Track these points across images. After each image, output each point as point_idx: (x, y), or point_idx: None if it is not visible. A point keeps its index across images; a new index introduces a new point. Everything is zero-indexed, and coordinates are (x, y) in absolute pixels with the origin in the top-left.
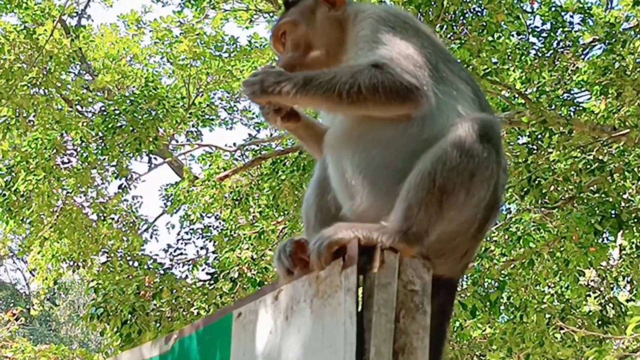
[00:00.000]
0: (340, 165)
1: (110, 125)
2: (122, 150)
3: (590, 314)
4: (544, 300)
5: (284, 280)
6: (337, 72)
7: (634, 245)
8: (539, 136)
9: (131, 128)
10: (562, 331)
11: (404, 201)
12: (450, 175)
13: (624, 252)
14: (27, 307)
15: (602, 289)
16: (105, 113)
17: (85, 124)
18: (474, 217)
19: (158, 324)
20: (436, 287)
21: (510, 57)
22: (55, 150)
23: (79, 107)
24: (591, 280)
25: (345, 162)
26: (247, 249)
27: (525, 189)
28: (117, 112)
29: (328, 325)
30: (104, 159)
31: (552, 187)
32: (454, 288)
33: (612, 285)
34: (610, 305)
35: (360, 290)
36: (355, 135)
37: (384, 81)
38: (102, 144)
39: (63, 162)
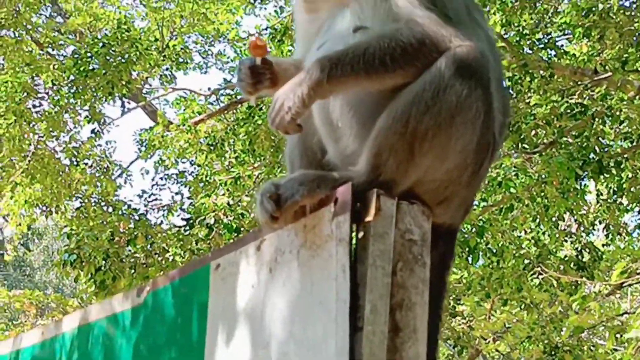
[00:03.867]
0: (327, 102)
1: (82, 69)
2: (94, 94)
3: (566, 258)
4: (522, 246)
5: (268, 228)
6: (369, 41)
7: (610, 191)
8: (519, 80)
9: (103, 71)
10: (540, 276)
11: (372, 146)
12: (424, 118)
13: (601, 197)
14: (1, 252)
15: (578, 233)
16: (77, 56)
17: (56, 66)
18: (463, 162)
19: (133, 271)
20: (436, 236)
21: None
22: (26, 94)
23: (50, 50)
24: (567, 226)
25: (333, 100)
26: (223, 194)
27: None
28: (89, 55)
29: (317, 280)
30: (77, 103)
31: (532, 132)
32: (454, 236)
33: (588, 231)
34: (586, 250)
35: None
36: None
37: (428, 31)
38: (74, 88)
39: (34, 106)
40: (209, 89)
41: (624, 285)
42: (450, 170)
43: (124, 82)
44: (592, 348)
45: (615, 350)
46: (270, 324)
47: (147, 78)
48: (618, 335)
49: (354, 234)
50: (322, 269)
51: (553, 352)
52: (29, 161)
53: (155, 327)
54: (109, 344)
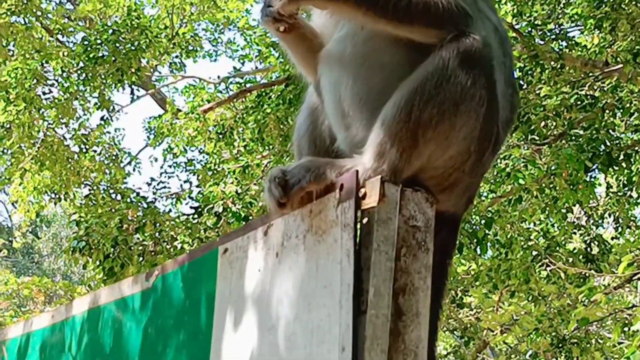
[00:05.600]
0: (338, 91)
1: (91, 56)
2: (104, 81)
3: (575, 251)
4: (531, 238)
5: (276, 214)
6: None
7: (620, 183)
8: (530, 71)
9: (113, 58)
10: (548, 268)
11: (377, 134)
12: (427, 107)
13: (610, 189)
14: (10, 239)
15: (587, 226)
16: (86, 43)
17: (66, 53)
18: (466, 150)
19: (141, 258)
20: (439, 223)
21: None
22: (35, 81)
23: (60, 37)
24: (576, 218)
25: (344, 88)
26: (232, 183)
27: (514, 125)
28: (98, 42)
29: (323, 264)
30: (86, 90)
31: (542, 123)
32: (457, 224)
33: (597, 223)
34: (595, 242)
35: (358, 226)
36: (358, 57)
37: (437, 2)
38: (84, 75)
39: (44, 93)
40: (219, 77)
41: (633, 278)
42: (454, 158)
43: (133, 70)
44: (599, 341)
45: (620, 343)
46: (277, 307)
47: (156, 66)
48: (625, 329)
49: (358, 219)
50: (327, 253)
51: (561, 345)
52: (38, 148)
53: (164, 311)
54: (119, 327)
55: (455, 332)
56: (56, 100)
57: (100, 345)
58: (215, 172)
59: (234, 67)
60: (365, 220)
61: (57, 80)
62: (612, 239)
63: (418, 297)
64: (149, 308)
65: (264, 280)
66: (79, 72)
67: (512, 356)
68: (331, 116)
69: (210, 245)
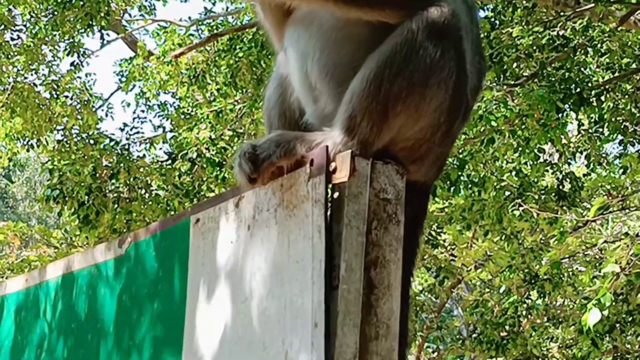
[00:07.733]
0: (305, 63)
1: (60, 0)
2: (73, 26)
3: (547, 188)
4: (503, 178)
5: (247, 189)
6: None
7: (592, 121)
8: (502, 10)
9: (82, 3)
10: (521, 208)
11: (346, 109)
12: (396, 80)
13: (582, 127)
14: None
15: (559, 163)
16: None
17: None
18: (437, 121)
19: (116, 205)
20: (409, 193)
21: None
22: (3, 26)
23: None
24: (549, 155)
25: (310, 61)
26: (205, 128)
27: (487, 65)
28: None
29: (294, 239)
30: (55, 35)
31: (514, 64)
32: (428, 193)
33: (569, 161)
34: (567, 179)
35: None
36: (326, 29)
37: None
38: (53, 20)
39: (12, 39)
40: (190, 18)
41: (604, 213)
42: (424, 129)
43: (102, 14)
44: (572, 275)
45: (595, 277)
46: (250, 281)
47: (126, 9)
48: (597, 265)
49: (329, 194)
50: (298, 228)
51: (533, 281)
52: (9, 95)
53: (137, 279)
54: (93, 294)
55: (430, 269)
56: (25, 46)
57: (75, 312)
58: (188, 116)
59: (205, 8)
60: (336, 195)
61: (25, 26)
62: (584, 175)
63: (390, 269)
64: (123, 276)
65: (237, 253)
66: (47, 17)
67: (486, 290)
68: (298, 89)
69: (181, 215)
